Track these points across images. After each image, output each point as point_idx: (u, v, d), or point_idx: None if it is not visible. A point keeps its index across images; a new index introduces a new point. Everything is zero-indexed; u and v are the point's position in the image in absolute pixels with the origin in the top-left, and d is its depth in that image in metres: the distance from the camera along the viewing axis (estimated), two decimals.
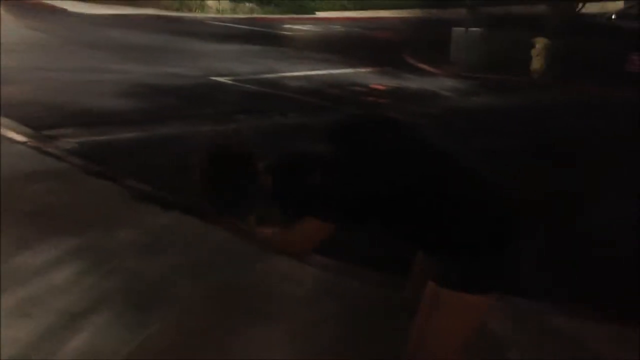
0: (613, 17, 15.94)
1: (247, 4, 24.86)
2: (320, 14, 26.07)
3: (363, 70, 12.77)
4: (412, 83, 11.74)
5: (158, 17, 21.52)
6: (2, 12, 16.72)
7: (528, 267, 2.04)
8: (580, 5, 14.64)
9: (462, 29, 13.79)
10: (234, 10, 24.35)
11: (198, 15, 23.20)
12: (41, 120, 6.90)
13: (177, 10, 23.58)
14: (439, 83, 11.99)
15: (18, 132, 6.19)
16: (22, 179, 4.80)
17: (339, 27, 22.54)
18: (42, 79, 9.47)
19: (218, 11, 23.95)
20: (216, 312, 3.14)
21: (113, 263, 3.56)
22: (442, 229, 1.93)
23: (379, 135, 2.02)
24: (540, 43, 12.44)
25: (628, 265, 4.09)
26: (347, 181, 1.88)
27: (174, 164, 5.80)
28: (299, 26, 21.76)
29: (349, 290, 3.43)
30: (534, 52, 12.52)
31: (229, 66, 11.86)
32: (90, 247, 3.76)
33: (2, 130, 6.14)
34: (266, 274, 3.54)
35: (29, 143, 5.88)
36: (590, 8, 16.27)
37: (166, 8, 23.63)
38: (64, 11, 21.00)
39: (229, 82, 10.43)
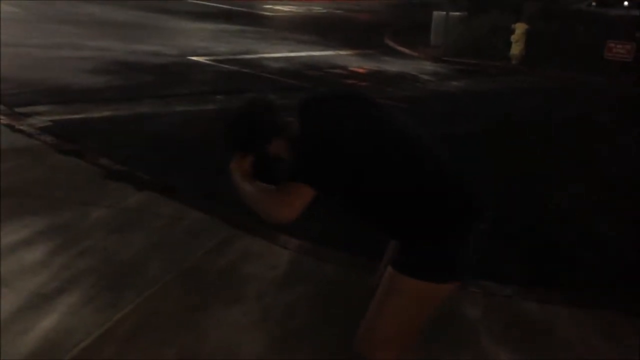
0: (593, 3, 16.03)
1: None
2: None
3: (343, 52, 12.72)
4: (392, 66, 11.73)
5: None
6: None
7: (486, 256, 1.99)
8: None
9: (443, 12, 13.78)
10: None
11: None
12: (14, 98, 6.78)
13: None
14: (419, 66, 12.00)
15: None
16: None
17: (320, 8, 22.40)
18: (16, 55, 9.29)
19: None
20: (189, 294, 3.12)
21: (85, 243, 3.52)
22: (400, 211, 1.88)
23: (344, 110, 1.97)
24: (520, 29, 12.49)
25: (598, 250, 4.16)
26: (311, 152, 1.84)
27: (149, 143, 5.77)
28: (280, 7, 21.57)
29: (322, 273, 3.44)
30: (513, 37, 12.57)
31: (208, 45, 11.75)
32: (62, 226, 3.71)
33: None
34: (240, 256, 3.52)
35: (1, 121, 5.77)
36: None
37: None
38: None
39: (207, 61, 10.32)
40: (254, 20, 17.06)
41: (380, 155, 1.86)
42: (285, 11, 20.55)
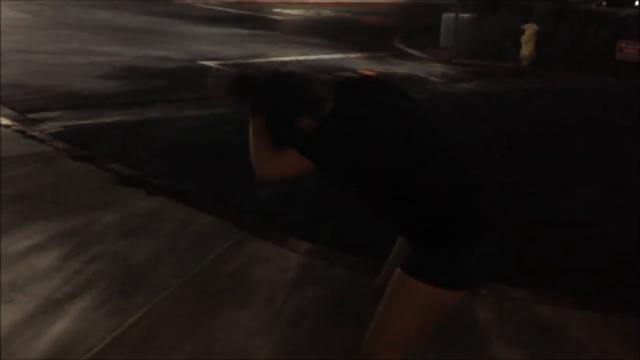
0: (604, 3, 15.93)
1: None
2: None
3: (352, 55, 12.72)
4: (401, 68, 11.71)
5: None
6: None
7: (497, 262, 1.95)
8: None
9: (452, 14, 13.74)
10: None
11: None
12: (26, 104, 6.83)
13: None
14: (429, 68, 11.97)
15: (2, 116, 6.13)
16: (5, 162, 4.74)
17: (329, 11, 22.42)
18: (28, 62, 9.37)
19: None
20: (200, 298, 3.13)
21: (97, 248, 3.54)
22: (417, 210, 1.87)
23: (379, 99, 1.94)
24: (529, 29, 12.43)
25: (609, 254, 4.12)
26: (334, 131, 1.83)
27: (159, 147, 5.80)
28: (289, 10, 21.62)
29: (333, 276, 3.43)
30: (523, 38, 12.51)
31: (217, 50, 11.78)
32: (74, 232, 3.73)
33: None
34: (250, 260, 3.53)
35: (13, 127, 5.81)
36: None
37: None
38: None
39: (217, 66, 10.35)
40: (263, 24, 17.11)
41: (405, 151, 1.84)
42: (295, 15, 20.59)
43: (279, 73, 1.97)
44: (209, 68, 10.14)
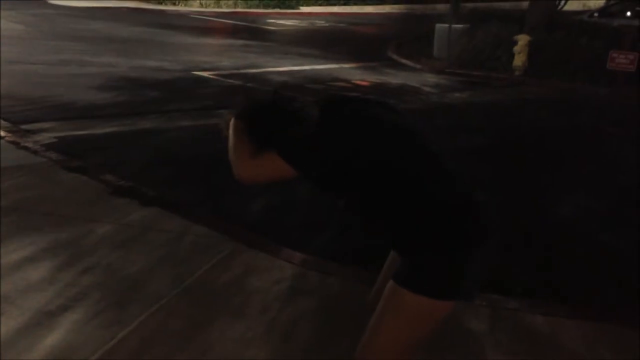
0: (595, 14, 16.04)
1: None
2: (304, 9, 26.06)
3: (346, 65, 12.76)
4: (395, 78, 11.75)
5: (140, 10, 21.35)
6: None
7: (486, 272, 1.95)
8: (562, 2, 14.73)
9: (445, 25, 13.82)
10: (217, 4, 24.25)
11: (181, 8, 23.06)
12: (20, 115, 6.82)
13: (160, 3, 23.41)
14: (422, 78, 12.02)
15: None
16: None
17: (323, 22, 22.51)
18: (22, 73, 9.36)
19: (201, 4, 23.83)
20: (194, 309, 3.12)
21: (90, 260, 3.53)
22: (402, 220, 1.87)
23: (366, 114, 1.97)
24: (522, 40, 12.49)
25: (604, 264, 4.14)
26: (317, 138, 1.86)
27: (154, 158, 5.79)
28: (282, 21, 21.70)
29: (327, 287, 3.43)
30: (516, 49, 12.57)
31: (212, 60, 11.81)
32: (67, 243, 3.72)
33: None
34: (244, 271, 3.52)
35: (6, 138, 5.80)
36: (571, 5, 16.40)
37: (148, 1, 23.47)
38: (44, 3, 20.78)
39: (211, 76, 10.37)
40: (257, 35, 17.15)
41: (389, 164, 1.86)
42: (289, 25, 20.65)
43: (272, 95, 2.03)
44: (203, 78, 10.15)
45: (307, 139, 1.87)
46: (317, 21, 22.48)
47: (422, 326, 1.93)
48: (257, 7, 24.88)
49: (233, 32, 17.25)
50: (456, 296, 1.90)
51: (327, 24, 21.77)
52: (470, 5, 16.07)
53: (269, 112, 1.98)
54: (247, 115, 2.01)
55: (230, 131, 2.01)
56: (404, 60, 13.98)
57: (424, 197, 1.86)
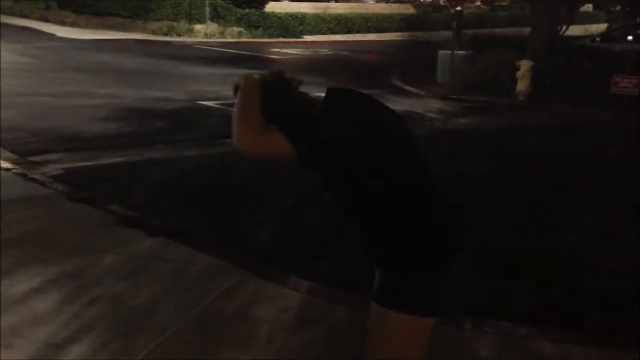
0: (597, 39, 16.15)
1: (235, 28, 25.02)
2: (307, 38, 26.30)
3: None
4: (399, 105, 11.80)
5: (146, 41, 21.61)
6: None
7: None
8: (564, 27, 14.82)
9: (448, 52, 13.92)
10: (222, 34, 24.48)
11: (186, 39, 23.30)
12: (27, 146, 6.88)
13: (166, 34, 23.69)
14: (426, 105, 12.08)
15: (3, 159, 6.17)
16: (5, 206, 4.76)
17: (327, 50, 22.72)
18: (29, 104, 9.46)
19: (206, 35, 24.07)
20: (201, 339, 3.11)
21: (97, 291, 3.53)
22: (386, 233, 1.89)
23: (370, 111, 2.02)
24: (525, 65, 12.57)
25: (610, 288, 4.11)
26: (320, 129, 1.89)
27: (160, 188, 5.82)
28: (287, 50, 21.91)
29: (334, 315, 3.42)
30: (519, 74, 12.64)
31: (217, 90, 11.89)
32: (74, 274, 3.72)
33: None
34: (251, 300, 3.52)
35: (14, 170, 5.84)
36: (573, 30, 16.50)
37: (154, 32, 23.75)
38: (51, 36, 21.07)
39: (217, 106, 10.45)
40: (262, 64, 17.28)
41: (383, 169, 1.87)
42: (293, 54, 20.83)
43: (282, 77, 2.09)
44: (209, 108, 10.23)
45: (311, 125, 1.88)
46: (321, 50, 22.69)
47: (411, 346, 1.92)
48: (261, 36, 25.11)
49: (238, 61, 17.39)
50: (435, 312, 1.91)
51: (330, 52, 21.97)
52: (472, 31, 16.20)
53: (285, 92, 2.01)
54: (267, 88, 2.00)
55: (241, 98, 1.97)
56: (407, 87, 14.06)
57: (405, 212, 1.87)
